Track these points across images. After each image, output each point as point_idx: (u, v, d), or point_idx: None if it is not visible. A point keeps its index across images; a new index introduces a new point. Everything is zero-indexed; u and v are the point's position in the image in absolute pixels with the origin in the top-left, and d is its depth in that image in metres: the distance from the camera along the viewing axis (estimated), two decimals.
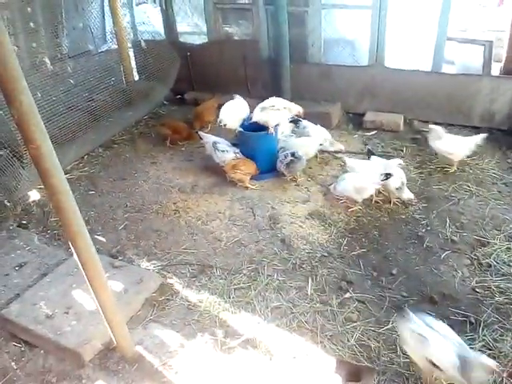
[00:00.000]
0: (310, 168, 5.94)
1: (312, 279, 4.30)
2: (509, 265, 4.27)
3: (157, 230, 5.01)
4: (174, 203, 5.43)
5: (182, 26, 8.29)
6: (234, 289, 4.24)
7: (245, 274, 4.39)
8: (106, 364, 3.62)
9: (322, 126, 6.18)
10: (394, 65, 6.66)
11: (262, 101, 6.10)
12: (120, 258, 4.64)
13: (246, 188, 5.57)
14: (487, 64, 6.11)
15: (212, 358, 3.62)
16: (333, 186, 5.18)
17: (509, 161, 5.71)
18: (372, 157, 5.44)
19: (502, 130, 6.21)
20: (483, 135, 5.49)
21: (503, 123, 6.18)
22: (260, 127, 5.64)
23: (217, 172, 5.83)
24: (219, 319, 3.96)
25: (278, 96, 6.95)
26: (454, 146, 5.51)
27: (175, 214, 5.25)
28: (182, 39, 8.18)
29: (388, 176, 4.88)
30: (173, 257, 4.64)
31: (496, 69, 6.35)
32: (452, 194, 5.24)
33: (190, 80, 8.05)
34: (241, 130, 5.74)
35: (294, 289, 4.21)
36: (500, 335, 3.65)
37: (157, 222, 5.14)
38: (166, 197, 5.56)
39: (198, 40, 8.12)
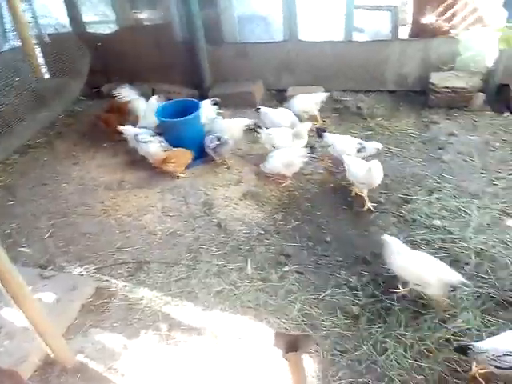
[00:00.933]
0: (240, 149, 5.93)
1: (251, 258, 4.33)
2: (431, 217, 4.54)
3: (86, 233, 4.80)
4: (102, 202, 5.21)
5: (88, 16, 7.84)
6: (174, 281, 4.18)
7: (184, 265, 4.33)
8: (48, 379, 3.46)
9: (248, 105, 6.19)
10: (308, 38, 6.75)
11: (184, 86, 6.02)
12: (50, 267, 4.41)
13: (177, 177, 5.46)
14: (394, 29, 6.36)
15: (158, 353, 3.57)
16: (262, 164, 5.21)
17: (424, 120, 6.02)
18: (324, 134, 5.36)
19: (416, 91, 6.52)
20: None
21: (416, 85, 6.49)
22: (183, 112, 5.49)
23: (144, 165, 5.66)
24: (162, 313, 3.89)
25: (199, 79, 6.92)
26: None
27: (104, 213, 5.04)
28: (90, 30, 7.74)
29: (313, 149, 4.97)
30: (106, 258, 4.48)
31: (403, 33, 6.62)
32: (376, 157, 5.45)
33: (105, 72, 7.67)
34: (161, 119, 5.56)
35: (235, 271, 4.23)
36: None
37: (85, 225, 4.92)
38: (93, 197, 5.32)
39: (108, 29, 7.73)
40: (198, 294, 4.04)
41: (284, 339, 2.45)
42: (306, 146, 5.20)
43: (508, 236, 4.22)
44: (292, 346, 2.42)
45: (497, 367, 2.96)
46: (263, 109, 5.91)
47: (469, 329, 3.52)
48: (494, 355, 2.94)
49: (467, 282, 3.64)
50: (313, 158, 5.53)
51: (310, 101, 6.05)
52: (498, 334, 3.43)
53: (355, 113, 6.31)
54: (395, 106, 6.34)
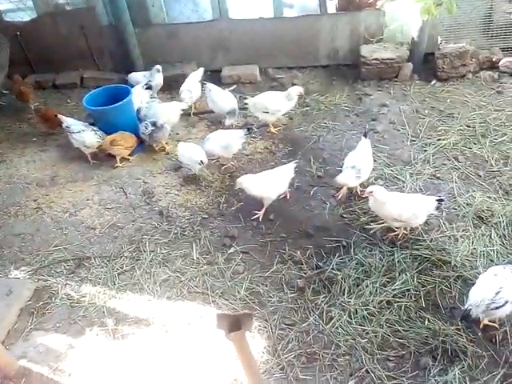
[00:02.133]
0: (178, 133, 5.80)
1: (196, 244, 4.30)
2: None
3: (20, 234, 4.54)
4: (34, 200, 4.94)
5: (3, 5, 7.25)
6: (118, 274, 4.07)
7: (126, 257, 4.23)
8: None
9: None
10: (239, 16, 6.64)
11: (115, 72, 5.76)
12: None
13: (113, 167, 5.27)
14: (323, 3, 6.37)
15: (106, 349, 3.49)
16: (200, 147, 5.13)
17: (357, 92, 6.14)
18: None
19: (348, 64, 6.63)
20: None
21: (347, 58, 6.59)
22: (114, 99, 5.27)
23: (77, 158, 5.41)
24: (107, 308, 3.80)
25: (130, 64, 6.65)
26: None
27: (37, 211, 4.79)
28: (6, 18, 7.19)
29: (250, 130, 4.96)
30: (44, 258, 4.28)
31: (332, 6, 6.65)
32: (312, 133, 5.53)
33: (28, 62, 7.18)
34: (90, 107, 5.29)
35: (180, 257, 4.19)
36: (369, 251, 4.05)
37: (18, 225, 4.65)
38: (24, 195, 5.03)
39: (26, 16, 7.19)
40: (144, 284, 3.97)
41: (226, 320, 2.46)
42: (244, 127, 5.17)
43: (465, 207, 4.43)
44: (235, 325, 2.43)
45: (497, 308, 3.14)
46: (209, 85, 5.81)
47: (407, 289, 3.71)
48: (489, 299, 3.12)
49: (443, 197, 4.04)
50: (252, 138, 5.56)
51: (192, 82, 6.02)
52: (432, 291, 3.68)
53: None
54: (329, 81, 6.43)
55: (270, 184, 4.38)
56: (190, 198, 4.82)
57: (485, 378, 3.13)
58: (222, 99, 5.66)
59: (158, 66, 6.11)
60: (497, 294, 3.14)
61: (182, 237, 4.39)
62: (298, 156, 5.19)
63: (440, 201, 3.92)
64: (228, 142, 4.96)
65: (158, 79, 6.15)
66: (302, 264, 4.01)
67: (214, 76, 6.80)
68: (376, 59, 6.05)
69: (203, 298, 3.81)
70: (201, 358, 3.38)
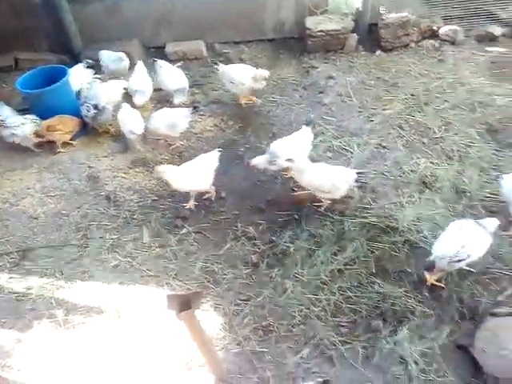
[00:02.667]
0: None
1: (146, 226, 4.20)
2: (318, 160, 4.68)
3: None
4: None
5: None
6: (65, 263, 3.93)
7: (74, 245, 4.08)
8: None
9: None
10: None
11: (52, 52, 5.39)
12: None
13: (54, 153, 5.01)
14: None
15: (56, 341, 3.38)
16: (144, 127, 4.96)
17: (304, 65, 6.11)
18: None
19: (294, 37, 6.56)
20: None
21: (293, 31, 6.52)
22: (51, 81, 4.97)
23: (14, 145, 5.08)
24: (56, 299, 3.67)
25: (68, 43, 6.30)
26: None
27: None
28: None
29: (196, 108, 4.84)
30: None
31: None
32: (261, 108, 5.48)
33: None
34: (25, 91, 4.98)
35: (130, 242, 4.08)
36: (320, 222, 4.11)
37: None
38: None
39: None
40: (93, 272, 3.85)
41: (176, 300, 2.43)
42: (190, 106, 5.02)
43: (386, 167, 4.55)
44: (185, 305, 2.40)
45: (459, 260, 3.31)
46: (160, 62, 5.61)
47: (357, 257, 3.80)
48: (454, 253, 3.27)
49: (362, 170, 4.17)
50: (201, 115, 5.44)
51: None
52: (381, 256, 3.79)
53: None
54: (276, 55, 6.35)
55: (193, 177, 4.16)
56: (139, 181, 4.68)
57: (432, 335, 3.27)
58: (172, 77, 5.49)
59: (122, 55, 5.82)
60: (462, 247, 3.29)
61: (132, 220, 4.27)
62: (248, 132, 5.14)
63: (360, 173, 4.00)
64: (173, 120, 4.82)
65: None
66: (256, 239, 4.01)
67: (157, 53, 6.56)
68: (321, 31, 6.02)
69: (156, 281, 3.75)
70: (156, 341, 3.34)
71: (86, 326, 3.47)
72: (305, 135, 4.47)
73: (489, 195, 4.18)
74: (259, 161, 4.25)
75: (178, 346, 3.28)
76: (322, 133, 4.99)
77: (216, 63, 5.66)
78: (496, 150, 4.60)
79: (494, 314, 3.31)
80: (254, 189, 4.50)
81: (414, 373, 3.05)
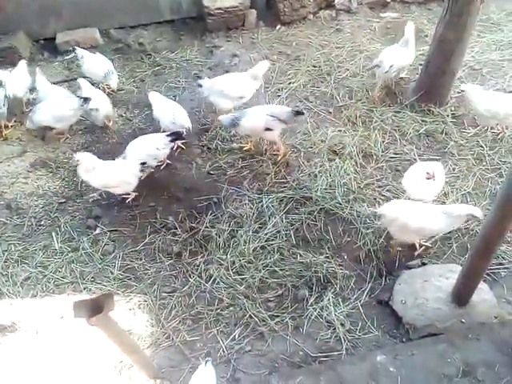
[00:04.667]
0: (15, 114, 5.07)
1: (56, 232, 3.91)
2: (230, 141, 4.67)
3: None
4: None
5: None
6: None
7: None
8: None
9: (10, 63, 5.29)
10: None
11: None
12: None
13: None
14: None
15: None
16: (27, 120, 4.60)
17: (207, 45, 5.96)
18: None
19: (193, 17, 6.36)
20: None
21: (191, 11, 6.30)
22: None
23: None
24: None
25: None
26: None
27: None
28: None
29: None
30: None
31: None
32: (168, 93, 5.25)
33: None
34: None
35: (40, 250, 3.78)
36: (239, 202, 4.09)
37: None
38: None
39: None
40: (2, 288, 3.53)
41: (85, 306, 2.28)
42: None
43: (296, 140, 4.61)
44: (95, 309, 2.26)
45: None
46: (80, 51, 5.20)
47: (278, 231, 3.84)
48: None
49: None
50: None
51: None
52: (300, 228, 3.86)
53: (138, 50, 5.91)
54: (177, 37, 6.12)
55: (118, 177, 3.96)
56: (42, 184, 4.33)
57: (355, 295, 3.42)
58: (96, 63, 5.12)
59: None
60: None
61: (39, 228, 3.96)
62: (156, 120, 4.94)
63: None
64: (61, 113, 4.50)
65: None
66: (176, 229, 3.91)
67: (48, 44, 6.06)
68: (219, 9, 5.89)
69: (73, 288, 3.53)
70: (80, 349, 3.16)
71: (2, 346, 3.19)
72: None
73: (393, 155, 4.42)
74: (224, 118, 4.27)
75: (105, 350, 3.13)
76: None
77: (199, 77, 5.24)
78: (396, 111, 4.84)
79: (408, 267, 3.53)
80: (170, 177, 4.35)
81: (342, 334, 3.18)
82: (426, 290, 3.21)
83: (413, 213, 3.37)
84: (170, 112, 4.47)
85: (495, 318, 3.09)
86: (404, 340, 3.08)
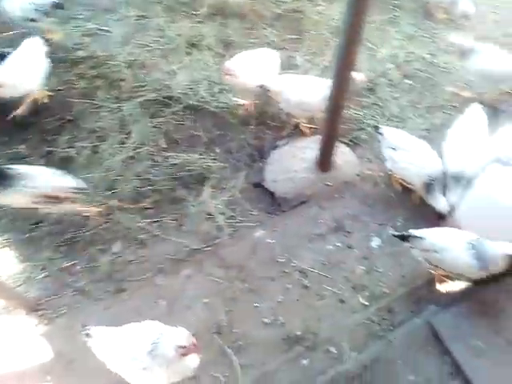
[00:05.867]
0: None
1: None
2: (75, 49, 4.13)
3: None
4: None
5: None
6: None
7: None
8: None
9: None
10: None
11: None
12: None
13: None
14: None
15: None
16: None
17: None
18: None
19: None
20: None
21: None
22: None
23: None
24: None
25: None
26: None
27: None
28: None
29: None
30: None
31: None
32: None
33: None
34: None
35: None
36: (98, 116, 3.73)
37: None
38: None
39: None
40: None
41: None
42: None
43: (150, 38, 4.23)
44: None
45: None
46: None
47: (145, 137, 3.61)
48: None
49: None
50: None
51: None
52: (167, 129, 3.66)
53: None
54: None
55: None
56: None
57: (232, 184, 3.41)
58: None
59: None
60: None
61: None
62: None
63: None
64: None
65: None
66: (27, 157, 3.46)
67: None
68: None
69: None
70: None
71: None
72: None
73: (252, 40, 4.26)
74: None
75: None
76: (72, 18, 4.33)
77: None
78: None
79: (276, 147, 3.57)
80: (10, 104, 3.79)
81: (223, 222, 3.19)
82: (294, 163, 3.29)
83: (295, 86, 3.33)
84: None
85: (357, 175, 3.30)
86: (278, 213, 3.19)
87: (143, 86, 3.89)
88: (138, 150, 3.55)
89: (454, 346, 2.40)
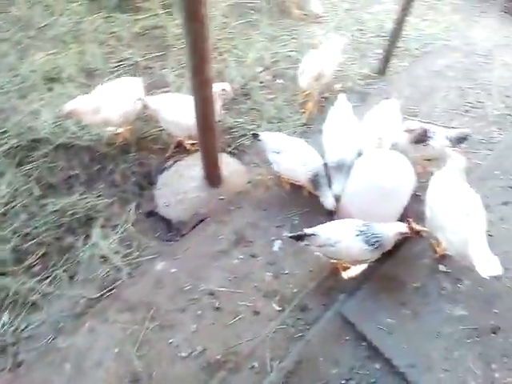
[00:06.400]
0: None
1: None
2: None
3: None
4: None
5: None
6: None
7: None
8: None
9: None
10: None
11: None
12: None
13: None
14: None
15: None
16: None
17: None
18: None
19: None
20: None
21: None
22: None
23: None
24: None
25: None
26: None
27: None
28: None
29: None
30: None
31: None
32: None
33: None
34: None
35: None
36: None
37: None
38: None
39: None
40: None
41: None
42: None
43: (2, 78, 3.85)
44: None
45: None
46: None
47: (16, 189, 3.27)
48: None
49: None
50: None
51: None
52: (41, 175, 3.36)
53: None
54: None
55: None
56: None
57: (123, 219, 3.19)
58: None
59: None
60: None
61: None
62: None
63: None
64: None
65: None
66: None
67: None
68: None
69: None
70: None
71: None
72: None
73: (117, 64, 4.08)
74: None
75: None
76: None
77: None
78: (105, 17, 4.41)
79: (163, 170, 3.45)
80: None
81: (119, 262, 2.98)
82: (183, 184, 3.20)
83: (169, 106, 3.23)
84: None
85: (249, 182, 3.30)
86: (178, 239, 3.07)
87: (4, 133, 3.52)
88: (9, 205, 3.20)
89: (366, 329, 2.48)
